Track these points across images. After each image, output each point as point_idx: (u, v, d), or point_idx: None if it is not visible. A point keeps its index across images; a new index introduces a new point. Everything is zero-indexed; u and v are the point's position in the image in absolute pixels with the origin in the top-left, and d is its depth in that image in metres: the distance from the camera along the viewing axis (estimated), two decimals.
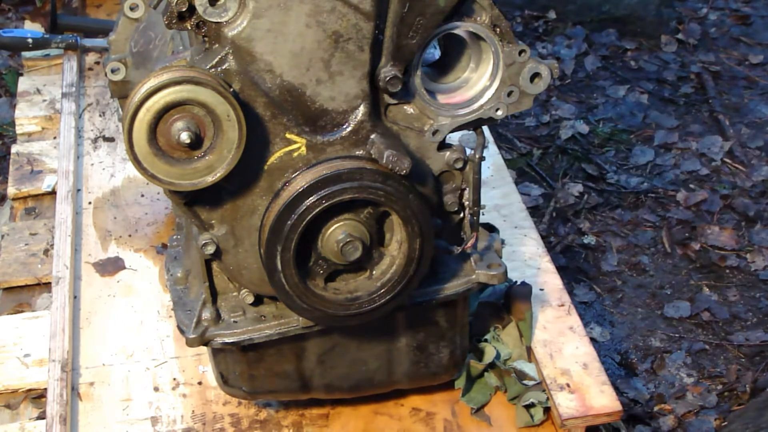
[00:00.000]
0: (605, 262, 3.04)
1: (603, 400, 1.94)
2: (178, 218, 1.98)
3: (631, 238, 3.13)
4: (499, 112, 1.66)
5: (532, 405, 1.96)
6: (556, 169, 3.42)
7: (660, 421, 2.57)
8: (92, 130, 2.71)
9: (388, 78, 1.53)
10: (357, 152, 1.56)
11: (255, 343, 1.72)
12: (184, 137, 1.41)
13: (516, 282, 2.12)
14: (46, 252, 2.34)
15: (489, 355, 2.01)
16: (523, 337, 2.05)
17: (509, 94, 1.65)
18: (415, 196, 1.55)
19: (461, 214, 1.76)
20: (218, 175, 1.46)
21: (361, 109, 1.55)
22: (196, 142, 1.43)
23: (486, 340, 2.05)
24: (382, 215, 1.59)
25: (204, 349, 1.82)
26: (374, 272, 1.63)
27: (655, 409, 2.60)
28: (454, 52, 1.67)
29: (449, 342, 1.89)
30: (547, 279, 2.20)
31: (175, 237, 1.92)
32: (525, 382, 1.99)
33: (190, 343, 1.71)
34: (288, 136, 1.53)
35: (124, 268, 2.30)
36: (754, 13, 4.29)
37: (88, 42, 3.00)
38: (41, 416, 1.98)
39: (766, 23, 4.24)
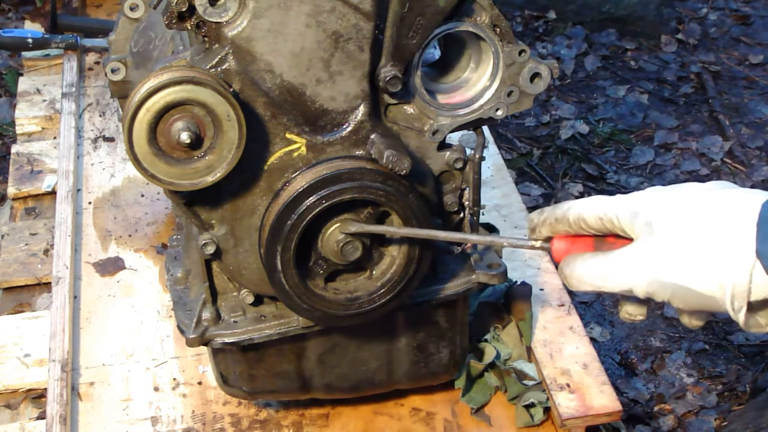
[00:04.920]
0: None
1: (603, 400, 1.94)
2: (178, 218, 1.98)
3: None
4: (499, 112, 1.66)
5: (532, 405, 1.96)
6: (556, 169, 3.42)
7: (660, 421, 2.57)
8: (92, 130, 2.71)
9: (388, 78, 1.53)
10: (357, 152, 1.56)
11: (255, 343, 1.72)
12: (184, 137, 1.41)
13: (516, 282, 2.12)
14: (46, 252, 2.34)
15: (489, 355, 2.00)
16: (523, 337, 2.05)
17: (509, 94, 1.65)
18: (415, 196, 1.55)
19: (461, 214, 1.76)
20: (218, 175, 1.46)
21: (361, 109, 1.54)
22: (196, 142, 1.43)
23: (486, 340, 2.05)
24: (382, 215, 1.59)
25: (204, 349, 1.82)
26: (374, 272, 1.63)
27: (655, 409, 2.60)
28: (454, 52, 1.67)
29: (449, 342, 1.89)
30: (547, 279, 2.20)
31: (175, 237, 1.92)
32: (525, 382, 1.99)
33: (190, 343, 1.71)
34: (288, 136, 1.53)
35: (124, 268, 2.30)
36: (754, 13, 4.30)
37: (88, 42, 3.00)
38: (41, 416, 1.98)
39: (766, 23, 4.24)
